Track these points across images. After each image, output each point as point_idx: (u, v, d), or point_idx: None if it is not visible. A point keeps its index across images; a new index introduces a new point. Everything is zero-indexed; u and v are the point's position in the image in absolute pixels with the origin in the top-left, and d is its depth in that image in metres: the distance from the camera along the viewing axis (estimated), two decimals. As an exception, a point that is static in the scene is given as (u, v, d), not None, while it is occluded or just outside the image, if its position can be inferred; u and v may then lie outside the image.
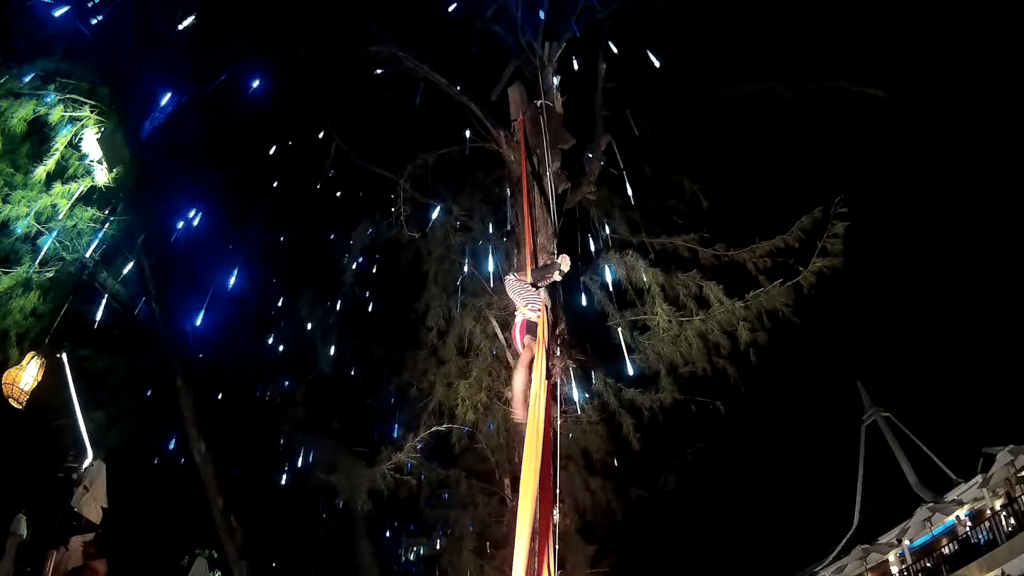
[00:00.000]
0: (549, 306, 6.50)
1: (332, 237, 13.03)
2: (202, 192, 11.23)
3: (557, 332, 7.42)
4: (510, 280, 6.55)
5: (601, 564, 10.56)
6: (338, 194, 12.01)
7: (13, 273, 8.47)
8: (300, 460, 12.41)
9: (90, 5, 9.24)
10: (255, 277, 12.63)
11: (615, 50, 10.49)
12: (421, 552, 13.33)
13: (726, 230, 9.69)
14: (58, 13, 8.87)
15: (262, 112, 10.72)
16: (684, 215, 10.57)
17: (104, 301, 9.80)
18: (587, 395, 9.99)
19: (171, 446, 11.67)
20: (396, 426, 11.93)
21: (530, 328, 6.26)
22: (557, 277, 6.40)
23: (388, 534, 13.41)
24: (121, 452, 9.41)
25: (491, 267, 10.22)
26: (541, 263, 6.94)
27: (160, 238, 10.69)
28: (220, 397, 11.84)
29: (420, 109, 10.58)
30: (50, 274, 8.78)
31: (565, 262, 6.35)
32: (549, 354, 6.30)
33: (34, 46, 8.76)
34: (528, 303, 6.31)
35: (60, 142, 8.55)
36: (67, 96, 8.73)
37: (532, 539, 4.51)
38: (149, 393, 11.06)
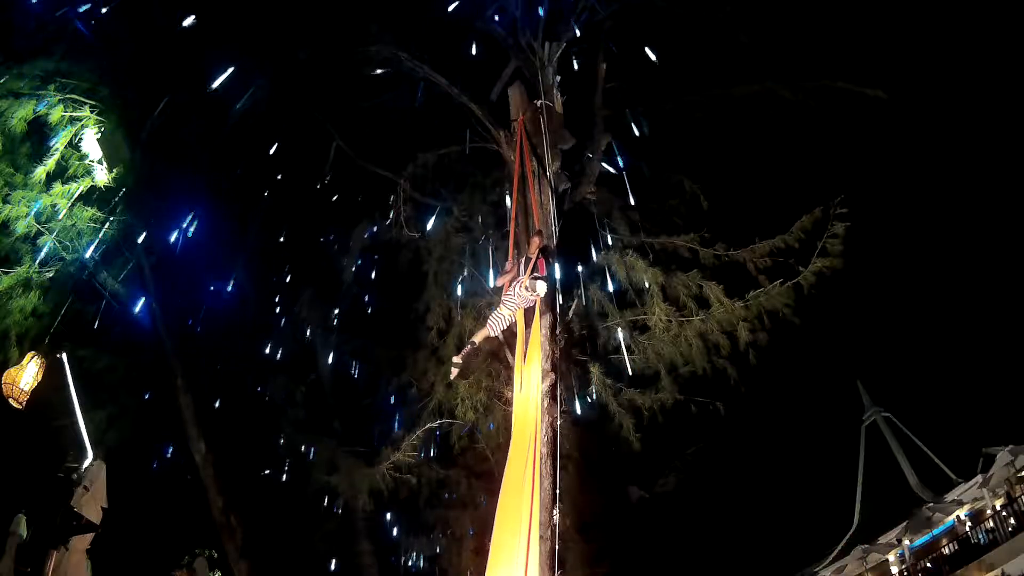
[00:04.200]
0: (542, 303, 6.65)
1: (332, 237, 13.03)
2: (202, 192, 11.23)
3: (557, 332, 7.47)
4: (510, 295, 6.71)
5: (601, 564, 10.56)
6: (338, 194, 12.01)
7: (13, 273, 8.47)
8: (300, 460, 12.40)
9: (90, 5, 9.24)
10: (255, 277, 12.63)
11: (615, 50, 10.49)
12: (421, 552, 13.32)
13: (726, 230, 9.69)
14: (58, 13, 8.87)
15: (262, 112, 10.72)
16: (684, 215, 10.56)
17: (104, 301, 9.80)
18: (587, 396, 9.99)
19: (171, 446, 11.68)
20: (396, 426, 11.93)
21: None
22: (528, 300, 6.61)
23: (388, 534, 13.40)
24: (121, 452, 9.42)
25: (491, 267, 10.22)
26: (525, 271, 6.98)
27: (160, 238, 10.70)
28: (220, 397, 11.85)
29: (420, 109, 10.58)
30: (50, 274, 8.78)
31: (540, 287, 6.46)
32: (549, 354, 6.40)
33: (34, 46, 8.75)
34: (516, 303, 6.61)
35: (60, 142, 8.55)
36: (67, 96, 8.72)
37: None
38: (149, 393, 11.07)
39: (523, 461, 5.28)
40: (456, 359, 6.92)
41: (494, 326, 6.69)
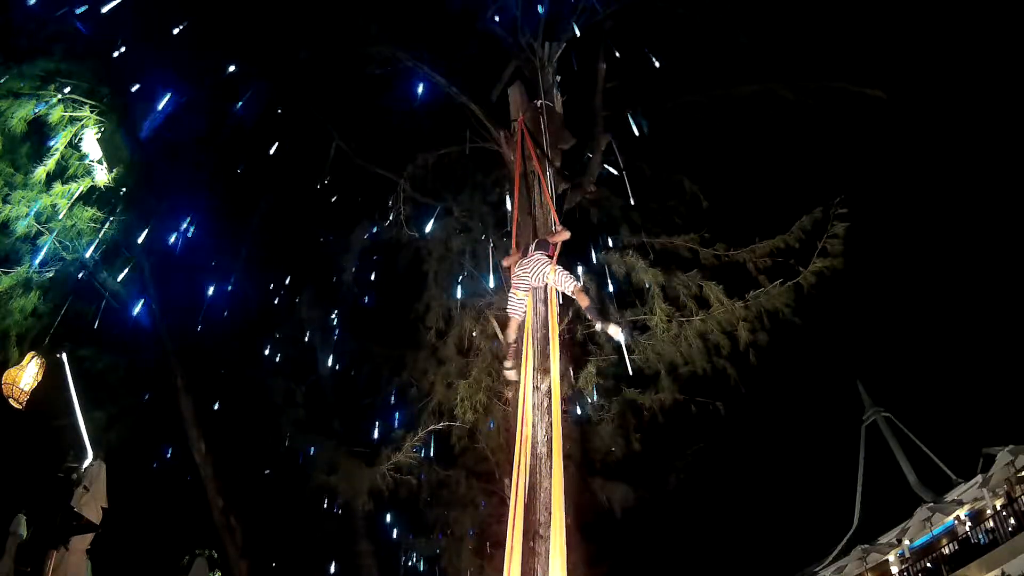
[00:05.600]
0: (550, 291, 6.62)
1: (332, 237, 13.03)
2: (202, 192, 11.24)
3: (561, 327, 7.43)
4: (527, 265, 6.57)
5: (601, 564, 10.56)
6: (338, 194, 12.01)
7: (13, 273, 8.47)
8: (300, 460, 12.40)
9: (90, 5, 9.23)
10: (255, 277, 12.63)
11: (615, 50, 10.49)
12: (421, 552, 13.32)
13: (726, 230, 9.69)
14: (58, 13, 8.87)
15: (262, 112, 10.73)
16: (684, 215, 10.56)
17: (104, 301, 9.80)
18: (587, 396, 9.99)
19: (171, 446, 11.67)
20: (396, 426, 11.93)
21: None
22: (543, 281, 6.49)
23: (388, 534, 13.40)
24: (121, 452, 9.41)
25: (491, 267, 10.22)
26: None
27: (160, 238, 10.70)
28: (220, 397, 11.84)
29: (420, 109, 10.57)
30: (50, 274, 8.78)
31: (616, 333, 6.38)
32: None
33: (34, 46, 8.75)
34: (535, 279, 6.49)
35: (60, 142, 8.55)
36: (67, 96, 8.72)
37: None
38: (149, 393, 11.07)
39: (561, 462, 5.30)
40: (508, 364, 6.77)
41: (515, 312, 6.58)
